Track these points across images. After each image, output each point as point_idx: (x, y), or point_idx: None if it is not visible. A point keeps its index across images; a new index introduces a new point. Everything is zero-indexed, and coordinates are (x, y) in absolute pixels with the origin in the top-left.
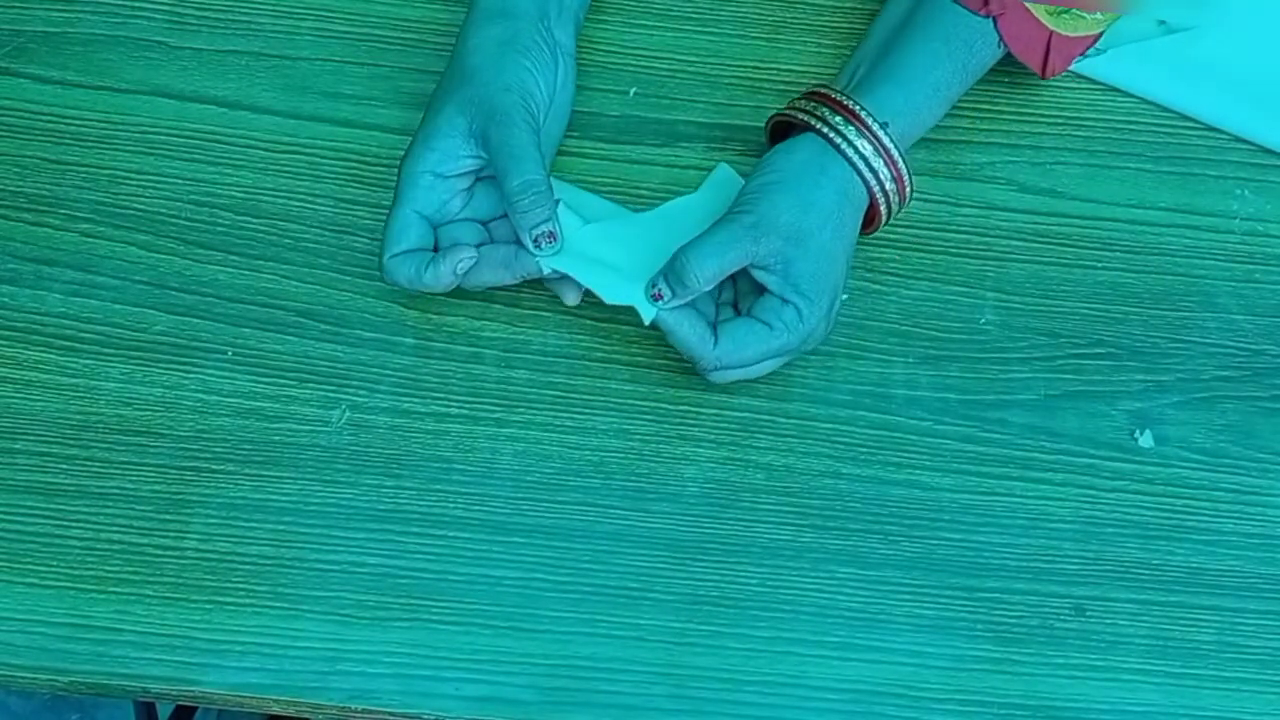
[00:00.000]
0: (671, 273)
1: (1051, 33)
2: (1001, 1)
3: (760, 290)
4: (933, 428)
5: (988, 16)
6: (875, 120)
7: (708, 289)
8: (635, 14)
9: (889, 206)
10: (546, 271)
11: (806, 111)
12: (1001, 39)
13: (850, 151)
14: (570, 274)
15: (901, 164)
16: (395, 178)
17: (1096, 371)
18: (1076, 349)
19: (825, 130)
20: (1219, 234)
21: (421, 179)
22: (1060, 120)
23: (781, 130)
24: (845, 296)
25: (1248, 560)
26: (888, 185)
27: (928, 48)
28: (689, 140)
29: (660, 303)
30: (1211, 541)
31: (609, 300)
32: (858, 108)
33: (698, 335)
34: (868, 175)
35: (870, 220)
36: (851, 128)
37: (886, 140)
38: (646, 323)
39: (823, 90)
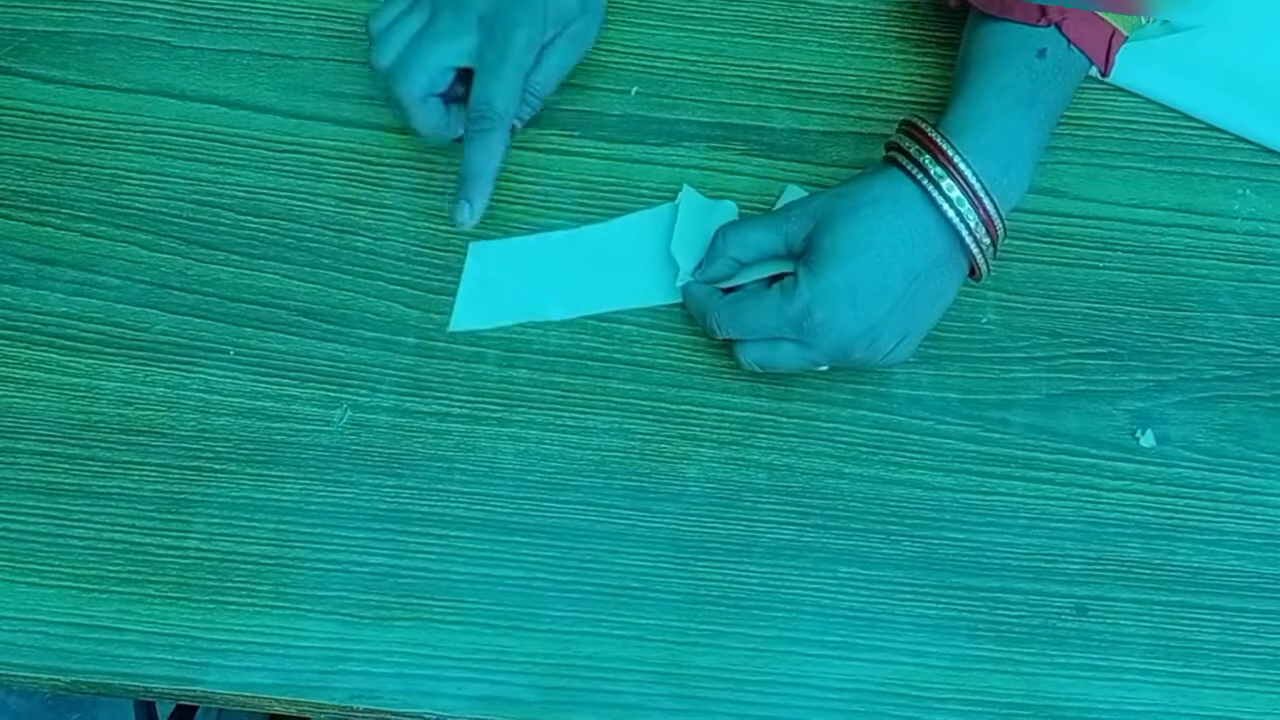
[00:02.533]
0: (710, 245)
1: (1114, 30)
2: (1059, 8)
3: None
4: (934, 427)
5: (1048, 25)
6: (991, 198)
7: (734, 256)
8: (637, 14)
9: (986, 262)
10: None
11: (920, 167)
12: (1070, 42)
13: (957, 220)
14: (597, 311)
15: (999, 224)
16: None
17: (1098, 371)
18: (1078, 348)
19: (943, 204)
20: (1220, 234)
21: (428, 102)
22: (1062, 120)
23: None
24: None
25: (1249, 560)
26: (984, 242)
27: (1018, 107)
28: (691, 140)
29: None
30: (1213, 541)
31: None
32: (978, 186)
33: (705, 292)
34: (970, 245)
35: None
36: (971, 208)
37: (990, 206)
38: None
39: (937, 144)
